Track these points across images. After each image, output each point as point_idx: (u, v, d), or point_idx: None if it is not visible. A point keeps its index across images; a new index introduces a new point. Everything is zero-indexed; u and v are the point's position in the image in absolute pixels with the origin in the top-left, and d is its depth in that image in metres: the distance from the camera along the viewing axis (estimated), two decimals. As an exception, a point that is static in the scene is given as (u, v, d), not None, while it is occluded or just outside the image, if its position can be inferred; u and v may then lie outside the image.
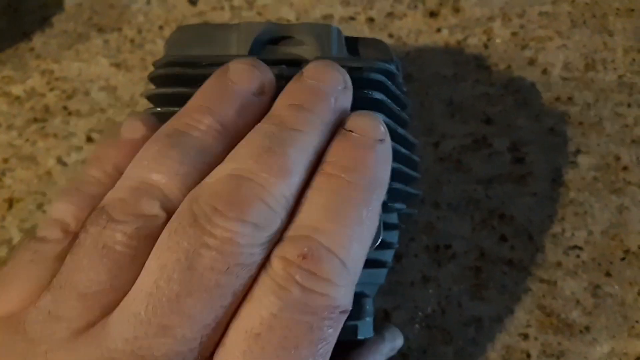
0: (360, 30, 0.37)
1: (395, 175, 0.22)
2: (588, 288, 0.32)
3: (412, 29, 0.37)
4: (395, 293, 0.32)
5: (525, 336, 0.31)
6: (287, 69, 0.20)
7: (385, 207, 0.20)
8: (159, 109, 0.21)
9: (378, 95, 0.21)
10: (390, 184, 0.21)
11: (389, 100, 0.21)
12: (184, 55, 0.22)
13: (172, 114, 0.20)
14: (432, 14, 0.38)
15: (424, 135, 0.35)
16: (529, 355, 0.31)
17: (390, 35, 0.37)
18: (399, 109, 0.23)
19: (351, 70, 0.20)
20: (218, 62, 0.20)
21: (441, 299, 0.32)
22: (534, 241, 0.33)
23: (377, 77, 0.21)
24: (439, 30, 0.37)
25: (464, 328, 0.31)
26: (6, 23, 0.36)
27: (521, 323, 0.31)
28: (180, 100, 0.20)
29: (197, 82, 0.20)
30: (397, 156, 0.22)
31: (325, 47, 0.22)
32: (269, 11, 0.38)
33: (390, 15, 0.38)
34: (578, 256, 0.32)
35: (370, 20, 0.38)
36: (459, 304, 0.32)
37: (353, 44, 0.23)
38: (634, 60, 0.36)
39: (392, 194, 0.22)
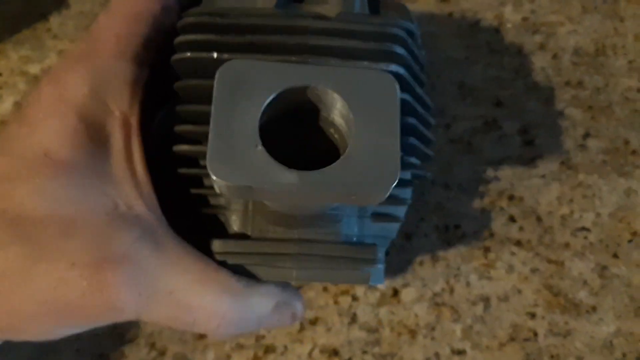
0: (372, 13, 0.38)
1: (411, 130, 0.22)
2: (595, 269, 0.32)
3: (424, 13, 0.38)
4: (405, 271, 0.32)
5: (533, 315, 0.32)
6: (314, 22, 0.21)
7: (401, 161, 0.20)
8: (189, 54, 0.21)
9: (399, 49, 0.21)
10: (406, 139, 0.22)
11: (409, 56, 0.22)
12: (212, 7, 0.22)
13: (201, 59, 0.20)
14: (444, -2, 0.38)
15: (435, 117, 0.35)
16: (536, 334, 0.31)
17: (403, 19, 0.38)
18: (418, 67, 0.23)
19: (373, 25, 0.21)
20: (246, 14, 0.21)
21: (450, 277, 0.32)
22: (543, 222, 0.33)
23: (399, 33, 0.22)
24: (450, 14, 0.38)
25: (472, 306, 0.32)
26: (24, 4, 0.37)
27: (529, 302, 0.32)
28: (209, 46, 0.20)
29: (225, 31, 0.21)
30: (414, 113, 0.22)
31: (348, 3, 0.23)
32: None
33: (402, -1, 0.38)
34: (586, 237, 0.33)
35: (383, 4, 0.38)
36: (467, 283, 0.32)
37: (375, 4, 0.24)
38: (644, 45, 0.37)
39: (408, 150, 0.23)
